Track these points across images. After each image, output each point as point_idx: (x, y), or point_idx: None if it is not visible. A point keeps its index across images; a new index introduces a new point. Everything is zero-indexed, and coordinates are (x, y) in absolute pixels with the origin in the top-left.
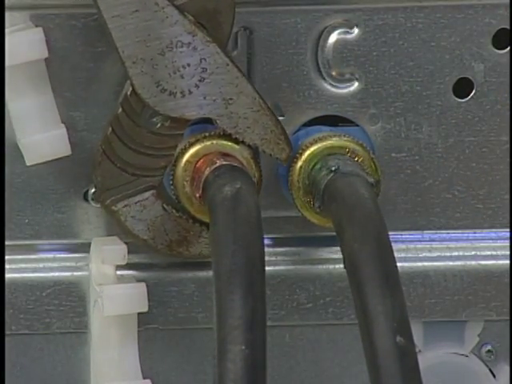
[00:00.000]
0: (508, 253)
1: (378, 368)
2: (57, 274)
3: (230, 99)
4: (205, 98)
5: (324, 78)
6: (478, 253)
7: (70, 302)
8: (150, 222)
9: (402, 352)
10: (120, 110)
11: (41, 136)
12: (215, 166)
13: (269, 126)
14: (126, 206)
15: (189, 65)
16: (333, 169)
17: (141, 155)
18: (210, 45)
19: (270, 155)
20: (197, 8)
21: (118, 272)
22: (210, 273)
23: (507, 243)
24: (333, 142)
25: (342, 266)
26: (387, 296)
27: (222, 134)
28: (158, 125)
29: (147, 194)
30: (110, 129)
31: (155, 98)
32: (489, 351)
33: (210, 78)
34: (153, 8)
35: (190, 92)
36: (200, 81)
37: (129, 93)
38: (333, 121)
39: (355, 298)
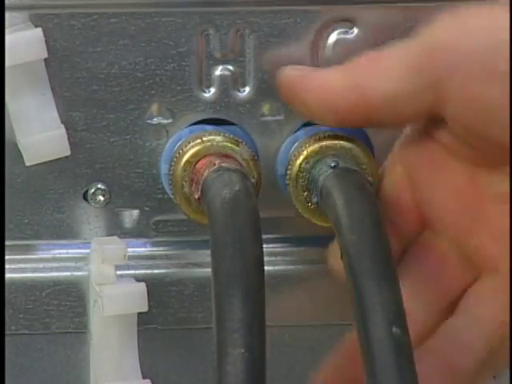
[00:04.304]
0: None
1: (373, 358)
2: (56, 274)
3: None
4: None
5: None
6: None
7: (69, 302)
8: None
9: (397, 342)
10: None
11: (40, 136)
12: (214, 167)
13: None
14: None
15: None
16: (332, 165)
17: None
18: None
19: None
20: None
21: (118, 272)
22: (210, 273)
23: None
24: (332, 141)
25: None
26: (383, 287)
27: (221, 135)
28: None
29: None
30: None
31: None
32: None
33: None
34: None
35: None
36: None
37: None
38: None
39: (352, 289)
